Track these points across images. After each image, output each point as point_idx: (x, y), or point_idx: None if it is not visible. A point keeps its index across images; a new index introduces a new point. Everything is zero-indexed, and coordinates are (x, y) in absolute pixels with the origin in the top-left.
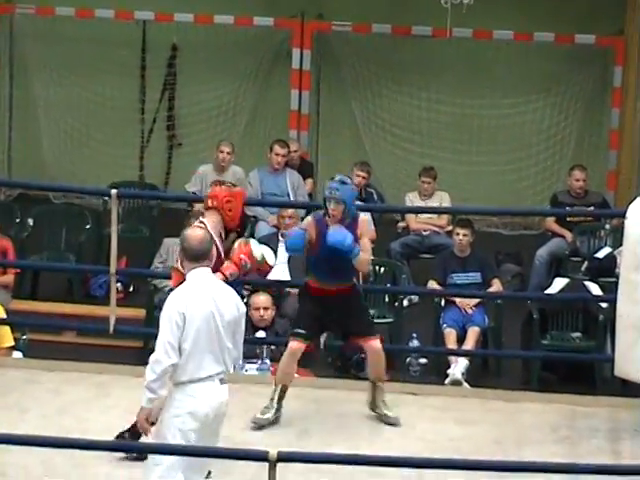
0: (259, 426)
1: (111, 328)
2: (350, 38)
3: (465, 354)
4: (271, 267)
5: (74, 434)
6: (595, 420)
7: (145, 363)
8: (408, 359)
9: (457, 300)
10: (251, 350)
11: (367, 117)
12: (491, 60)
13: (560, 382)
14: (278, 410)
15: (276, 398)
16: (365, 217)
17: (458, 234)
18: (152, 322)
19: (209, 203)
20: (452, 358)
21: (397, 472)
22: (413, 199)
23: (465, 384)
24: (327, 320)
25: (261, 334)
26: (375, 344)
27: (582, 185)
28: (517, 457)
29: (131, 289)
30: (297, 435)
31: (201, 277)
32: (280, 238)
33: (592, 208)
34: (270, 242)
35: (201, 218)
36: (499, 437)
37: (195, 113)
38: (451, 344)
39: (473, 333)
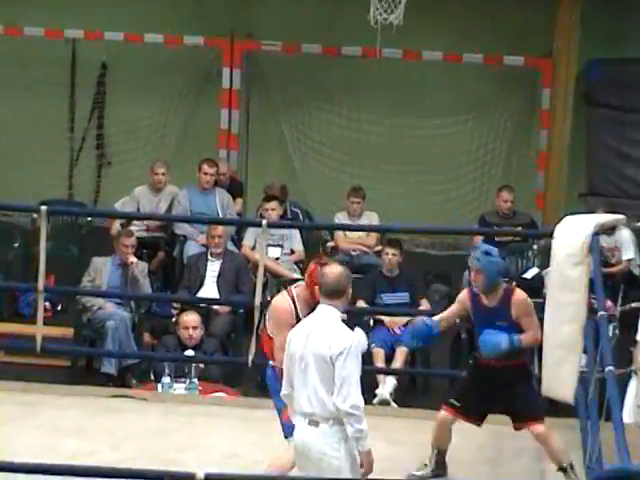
0: None
1: (38, 346)
2: (280, 57)
3: (393, 372)
4: None
5: (1, 455)
6: (522, 440)
7: (73, 382)
8: None
9: (385, 320)
10: (179, 369)
11: (297, 137)
12: (421, 80)
13: None
14: (434, 471)
15: (432, 460)
16: (522, 297)
17: (387, 254)
18: (80, 341)
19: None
20: (380, 378)
21: None
22: (342, 219)
23: (393, 404)
24: (489, 396)
25: (190, 353)
26: (537, 428)
27: (510, 206)
28: (445, 477)
29: (59, 308)
30: (226, 455)
31: (317, 313)
32: (209, 257)
33: (520, 228)
34: (199, 261)
35: (292, 287)
36: (426, 457)
37: (125, 132)
38: (379, 363)
39: (401, 353)
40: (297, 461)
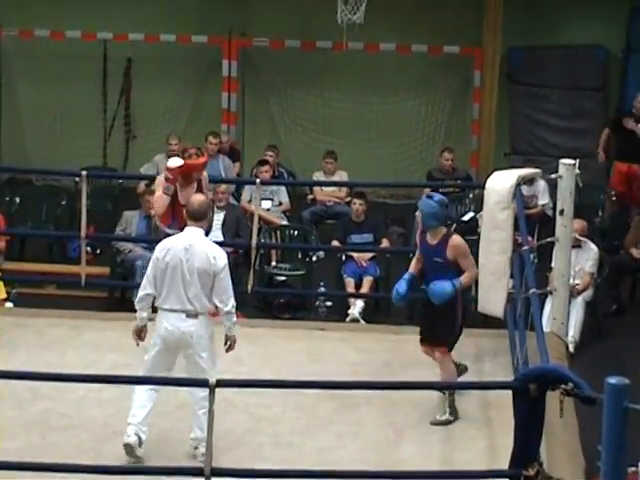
0: None
1: (83, 282)
2: (268, 51)
3: (362, 296)
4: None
5: (56, 367)
6: (463, 346)
7: (110, 309)
8: (317, 302)
9: (355, 255)
10: None
11: (282, 113)
12: (379, 67)
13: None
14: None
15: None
16: (457, 241)
17: (355, 203)
18: (115, 277)
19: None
20: (351, 301)
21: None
22: (319, 177)
23: (362, 321)
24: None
25: None
26: (438, 354)
27: (451, 164)
28: (403, 377)
29: (98, 251)
30: (232, 362)
31: (189, 233)
32: (215, 209)
33: (459, 181)
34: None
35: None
36: (389, 361)
37: (147, 112)
38: (350, 289)
39: (367, 281)
40: (169, 345)
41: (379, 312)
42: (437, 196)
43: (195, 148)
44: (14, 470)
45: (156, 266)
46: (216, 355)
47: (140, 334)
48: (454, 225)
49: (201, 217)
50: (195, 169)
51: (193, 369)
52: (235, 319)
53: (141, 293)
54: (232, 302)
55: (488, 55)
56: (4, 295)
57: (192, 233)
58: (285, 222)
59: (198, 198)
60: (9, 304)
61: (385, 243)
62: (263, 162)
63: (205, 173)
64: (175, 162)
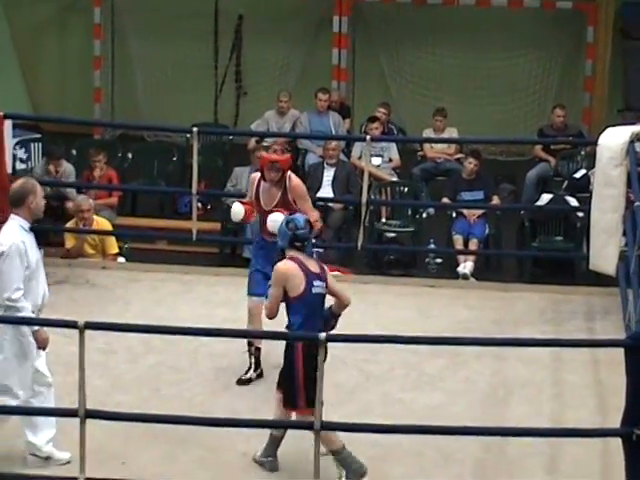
0: None
1: (194, 237)
2: (380, 7)
3: (471, 253)
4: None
5: (167, 321)
6: (574, 305)
7: (221, 265)
8: (427, 259)
9: (465, 212)
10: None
11: (393, 70)
12: (491, 23)
13: (547, 275)
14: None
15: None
16: (276, 267)
17: (470, 163)
18: (226, 233)
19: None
20: (461, 258)
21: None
22: (429, 134)
23: (472, 279)
24: None
25: (312, 241)
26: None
27: (562, 120)
28: (514, 334)
29: (209, 207)
30: (341, 318)
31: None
32: (325, 166)
33: (571, 138)
34: (317, 169)
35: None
36: (499, 319)
37: (257, 68)
38: (459, 247)
39: (473, 243)
40: None
41: (489, 269)
42: (293, 217)
43: (282, 145)
44: (127, 421)
45: None
46: (18, 363)
47: None
48: (566, 181)
49: (15, 203)
50: (264, 163)
51: None
52: (22, 314)
53: None
54: (10, 294)
55: (601, 10)
56: (116, 250)
57: (8, 221)
58: (395, 179)
59: (16, 183)
60: (121, 259)
61: (495, 200)
62: (373, 119)
63: (294, 178)
64: (236, 212)
